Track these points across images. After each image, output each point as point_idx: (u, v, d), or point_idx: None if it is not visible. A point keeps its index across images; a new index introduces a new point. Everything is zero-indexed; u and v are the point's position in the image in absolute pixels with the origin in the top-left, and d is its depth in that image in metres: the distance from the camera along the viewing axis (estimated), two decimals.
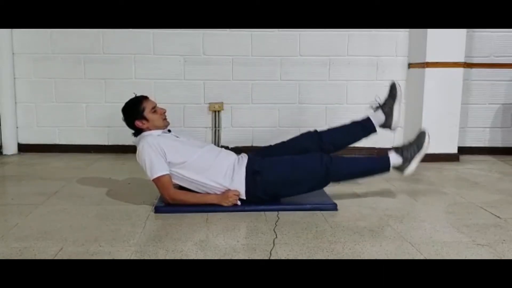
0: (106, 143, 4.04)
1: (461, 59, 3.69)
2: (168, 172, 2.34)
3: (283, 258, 1.79)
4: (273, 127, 4.04)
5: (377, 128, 2.63)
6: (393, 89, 2.62)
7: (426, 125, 3.71)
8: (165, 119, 2.50)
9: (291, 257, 1.80)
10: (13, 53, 3.90)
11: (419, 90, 3.76)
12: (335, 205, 2.42)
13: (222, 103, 3.99)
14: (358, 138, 2.68)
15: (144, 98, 2.50)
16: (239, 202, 2.36)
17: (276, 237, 2.01)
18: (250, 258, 1.79)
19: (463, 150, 3.94)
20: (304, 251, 1.86)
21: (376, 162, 2.52)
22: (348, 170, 2.46)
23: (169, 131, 2.54)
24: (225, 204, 2.34)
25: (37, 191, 2.75)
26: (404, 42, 3.97)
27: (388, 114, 2.59)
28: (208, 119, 4.03)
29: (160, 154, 2.32)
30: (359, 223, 2.20)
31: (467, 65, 3.83)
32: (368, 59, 4.00)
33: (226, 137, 4.05)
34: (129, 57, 3.94)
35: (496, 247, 1.91)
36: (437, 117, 3.71)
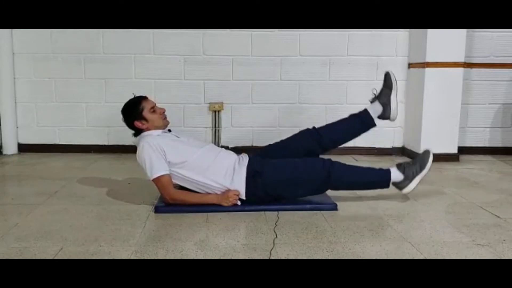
0: (106, 143, 4.04)
1: (461, 59, 3.69)
2: (168, 172, 2.34)
3: (283, 258, 1.80)
4: (273, 127, 4.04)
5: (376, 121, 2.60)
6: (387, 78, 2.61)
7: (426, 125, 3.73)
8: (164, 118, 2.51)
9: (291, 257, 1.80)
10: (13, 53, 3.90)
11: (419, 90, 3.76)
12: (335, 205, 2.42)
13: (222, 103, 3.99)
14: (357, 133, 2.68)
15: (143, 98, 2.50)
16: (239, 202, 2.36)
17: (276, 237, 2.01)
18: (250, 258, 1.79)
19: (463, 150, 3.94)
20: (304, 251, 1.86)
21: (377, 174, 2.51)
22: (349, 178, 2.44)
23: (169, 130, 2.54)
24: (225, 204, 2.34)
25: (37, 191, 2.75)
26: (404, 42, 3.97)
27: (386, 105, 2.57)
28: (208, 119, 4.03)
29: (160, 154, 2.32)
30: (359, 223, 2.20)
31: (467, 65, 3.83)
32: (368, 59, 4.00)
33: (226, 137, 4.05)
34: (129, 57, 3.94)
35: (496, 247, 1.91)
36: (437, 117, 3.71)
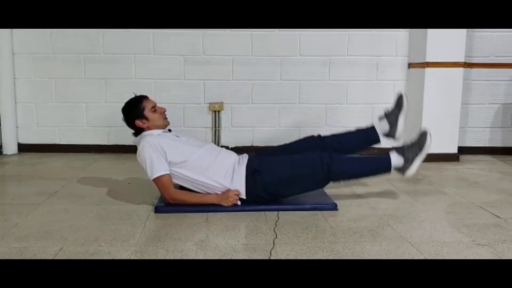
0: (106, 143, 4.04)
1: (461, 59, 3.69)
2: (168, 172, 2.34)
3: (283, 258, 1.80)
4: (273, 127, 4.04)
5: (381, 138, 2.65)
6: (400, 101, 2.63)
7: (426, 125, 3.72)
8: (165, 118, 2.51)
9: (291, 257, 1.80)
10: (13, 53, 3.90)
11: (419, 90, 3.76)
12: (335, 205, 2.42)
13: (222, 103, 3.99)
14: (361, 147, 2.73)
15: (143, 98, 2.50)
16: (239, 202, 2.36)
17: (276, 237, 2.01)
18: (250, 258, 1.79)
19: (463, 150, 3.94)
20: (304, 251, 1.86)
21: (377, 162, 2.51)
22: (349, 169, 2.45)
23: (170, 130, 2.54)
24: (225, 204, 2.34)
25: (37, 191, 2.75)
26: (404, 42, 3.97)
27: (393, 124, 2.61)
28: (208, 119, 4.03)
29: (161, 154, 2.32)
30: (359, 223, 2.20)
31: (467, 65, 3.83)
32: (368, 59, 4.00)
33: (226, 137, 4.05)
34: (129, 57, 3.94)
35: (496, 247, 1.91)
36: (437, 117, 3.71)
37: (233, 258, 1.80)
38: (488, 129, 4.10)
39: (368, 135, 2.66)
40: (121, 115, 2.50)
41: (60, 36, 3.89)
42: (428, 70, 3.68)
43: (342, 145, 2.64)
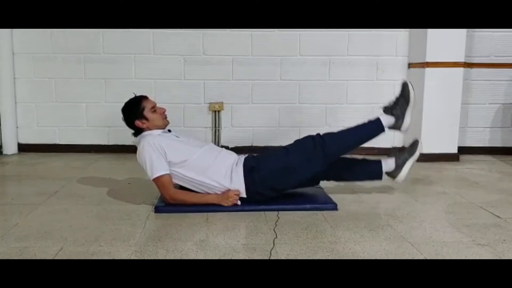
0: (106, 143, 4.04)
1: (461, 59, 3.69)
2: (168, 172, 2.34)
3: (283, 258, 1.80)
4: (273, 127, 4.04)
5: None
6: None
7: (426, 125, 3.73)
8: (165, 118, 2.51)
9: (291, 257, 1.80)
10: (13, 53, 3.90)
11: (419, 90, 3.73)
12: (335, 205, 2.42)
13: (222, 103, 3.99)
14: (363, 179, 2.70)
15: (143, 98, 2.50)
16: (239, 202, 2.36)
17: (276, 237, 2.01)
18: (250, 258, 1.79)
19: (463, 150, 3.94)
20: (304, 251, 1.86)
21: (369, 128, 2.49)
22: (343, 143, 2.45)
23: (169, 131, 2.54)
24: (225, 204, 2.34)
25: (37, 191, 2.75)
26: (404, 42, 3.97)
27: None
28: (208, 119, 4.03)
29: (161, 154, 2.32)
30: (359, 223, 2.20)
31: (467, 65, 3.83)
32: (368, 59, 4.00)
33: (226, 137, 4.05)
34: (129, 57, 3.94)
35: (496, 247, 1.91)
36: (437, 117, 3.72)
37: (233, 258, 1.80)
38: (488, 129, 4.10)
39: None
40: (121, 115, 2.50)
41: (60, 36, 3.89)
42: (428, 70, 3.68)
43: (344, 172, 2.62)
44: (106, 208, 2.43)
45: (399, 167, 2.53)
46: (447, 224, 2.21)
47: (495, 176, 3.29)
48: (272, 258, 1.80)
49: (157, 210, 2.35)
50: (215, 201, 2.35)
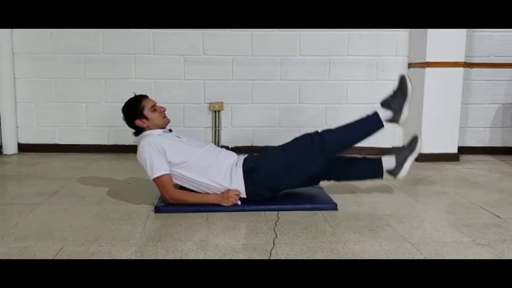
0: (106, 143, 4.04)
1: (461, 59, 3.69)
2: (168, 172, 2.34)
3: (283, 258, 1.80)
4: (273, 127, 4.04)
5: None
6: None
7: (426, 125, 3.73)
8: (165, 117, 2.50)
9: (291, 257, 1.80)
10: (13, 53, 3.90)
11: (419, 90, 3.75)
12: (335, 205, 2.42)
13: (222, 103, 3.99)
14: (363, 178, 2.70)
15: (143, 97, 2.50)
16: (239, 202, 2.36)
17: (276, 237, 2.01)
18: (250, 258, 1.79)
19: (463, 150, 3.94)
20: (304, 251, 1.86)
21: (367, 123, 2.47)
22: (341, 140, 2.44)
23: (170, 130, 2.54)
24: (225, 204, 2.34)
25: (37, 191, 2.75)
26: (404, 42, 3.97)
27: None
28: (208, 119, 4.03)
29: (161, 154, 2.32)
30: (359, 223, 2.20)
31: (467, 65, 3.83)
32: (368, 59, 4.00)
33: (226, 137, 4.05)
34: (129, 57, 3.94)
35: (496, 247, 1.91)
36: (437, 117, 3.72)
37: (233, 258, 1.80)
38: (488, 129, 4.10)
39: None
40: (121, 115, 2.50)
41: (60, 36, 3.90)
42: (428, 70, 3.68)
43: (345, 171, 2.61)
44: (106, 208, 2.43)
45: (400, 164, 2.52)
46: (447, 224, 2.21)
47: (495, 176, 3.29)
48: (272, 258, 1.80)
49: (157, 210, 2.35)
50: (215, 201, 2.35)
